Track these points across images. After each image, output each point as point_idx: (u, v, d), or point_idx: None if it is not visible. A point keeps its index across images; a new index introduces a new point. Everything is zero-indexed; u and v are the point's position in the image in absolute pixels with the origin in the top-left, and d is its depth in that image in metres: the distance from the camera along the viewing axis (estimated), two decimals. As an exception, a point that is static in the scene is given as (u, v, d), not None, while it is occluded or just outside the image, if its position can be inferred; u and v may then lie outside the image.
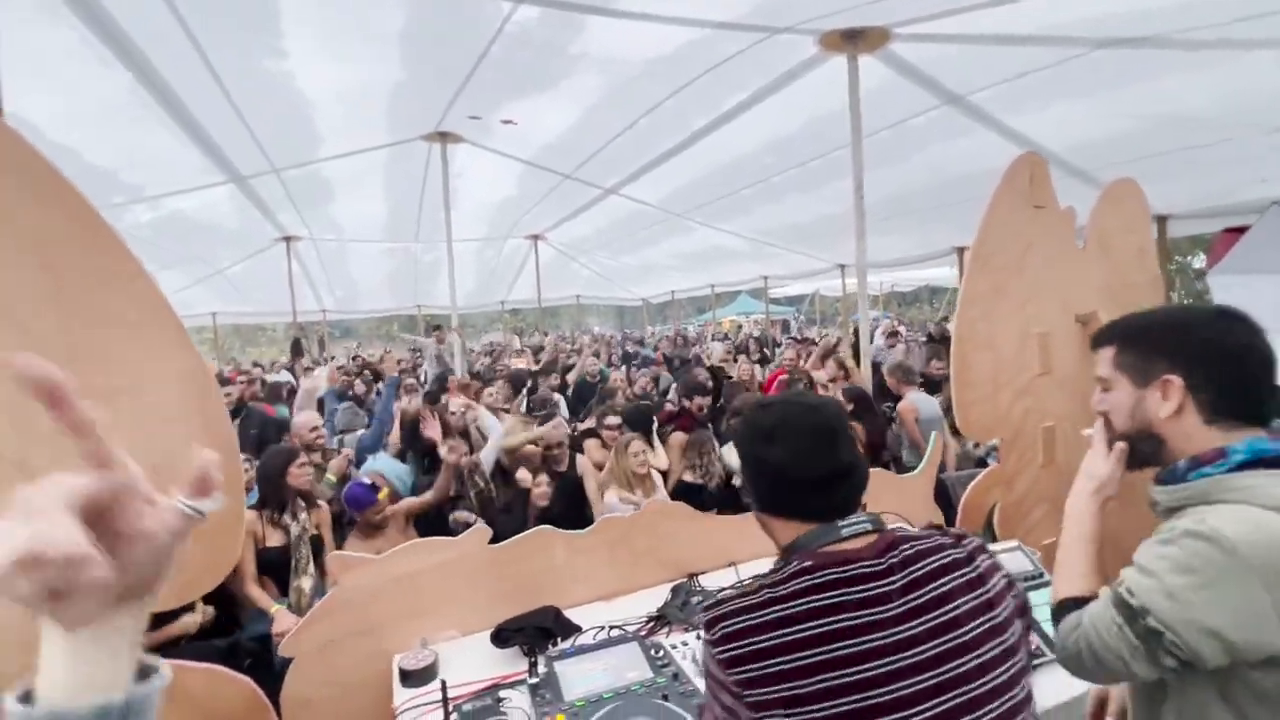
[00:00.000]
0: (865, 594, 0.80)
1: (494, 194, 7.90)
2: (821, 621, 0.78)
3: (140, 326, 1.38)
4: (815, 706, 0.74)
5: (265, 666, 2.32)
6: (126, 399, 1.37)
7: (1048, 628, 1.52)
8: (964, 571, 0.85)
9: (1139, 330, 1.02)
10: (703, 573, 1.93)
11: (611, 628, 1.59)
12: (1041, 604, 1.61)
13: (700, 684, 1.29)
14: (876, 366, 5.43)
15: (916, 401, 3.88)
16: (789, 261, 10.80)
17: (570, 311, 21.92)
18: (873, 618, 0.78)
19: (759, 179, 6.56)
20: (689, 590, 1.79)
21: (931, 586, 0.82)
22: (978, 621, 0.81)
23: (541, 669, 1.36)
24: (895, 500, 2.30)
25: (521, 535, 1.81)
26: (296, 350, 9.20)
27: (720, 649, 0.79)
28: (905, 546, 0.85)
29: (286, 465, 2.64)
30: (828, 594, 0.80)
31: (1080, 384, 2.61)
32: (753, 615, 0.80)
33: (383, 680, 1.59)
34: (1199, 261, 12.76)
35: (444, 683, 1.27)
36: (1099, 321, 2.59)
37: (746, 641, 0.78)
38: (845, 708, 0.74)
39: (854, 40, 3.76)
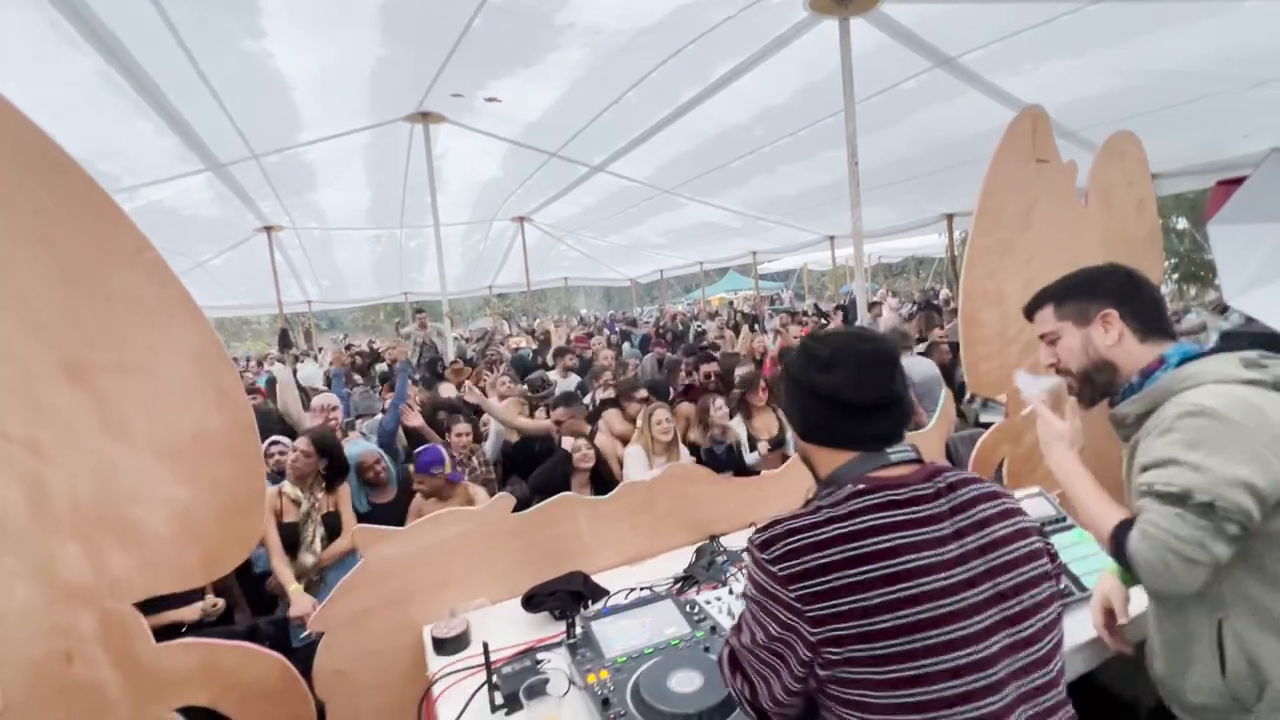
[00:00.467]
0: (919, 514, 0.83)
1: (478, 175, 7.77)
2: (882, 538, 0.80)
3: (148, 301, 1.34)
4: (880, 618, 0.77)
5: (283, 649, 2.31)
6: (141, 377, 1.33)
7: (1075, 568, 1.56)
8: (1000, 501, 0.90)
9: (1067, 287, 1.22)
10: (724, 534, 1.94)
11: (642, 589, 1.60)
12: (1068, 545, 1.64)
13: (739, 635, 1.30)
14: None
15: (909, 365, 3.91)
16: (778, 235, 10.79)
17: (558, 294, 21.79)
18: (927, 536, 0.82)
19: (749, 150, 6.51)
20: (713, 551, 1.80)
21: (974, 511, 0.87)
22: (1015, 545, 0.87)
23: (579, 629, 1.36)
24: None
25: (544, 503, 1.80)
26: (285, 342, 9.07)
27: (782, 565, 0.81)
28: (949, 473, 0.89)
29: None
30: (885, 513, 0.82)
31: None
32: (814, 533, 0.82)
33: (414, 650, 1.58)
34: (1182, 223, 12.90)
35: (486, 645, 1.26)
36: (1101, 274, 2.62)
37: (810, 557, 0.80)
38: (910, 618, 0.77)
39: (845, 1, 3.71)
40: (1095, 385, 1.18)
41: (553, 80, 5.02)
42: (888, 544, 0.80)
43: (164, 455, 1.36)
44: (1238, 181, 3.46)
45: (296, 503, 2.60)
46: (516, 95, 5.33)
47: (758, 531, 0.87)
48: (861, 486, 0.86)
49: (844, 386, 0.90)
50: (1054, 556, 0.93)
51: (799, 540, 0.82)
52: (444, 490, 2.74)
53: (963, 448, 2.91)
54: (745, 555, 0.89)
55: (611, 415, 3.53)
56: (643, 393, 3.46)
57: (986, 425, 3.22)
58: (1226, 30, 3.57)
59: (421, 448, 2.79)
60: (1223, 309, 6.06)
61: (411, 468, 2.80)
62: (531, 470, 3.01)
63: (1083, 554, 1.60)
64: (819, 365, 0.92)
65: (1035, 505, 1.83)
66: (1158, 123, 4.60)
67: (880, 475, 0.87)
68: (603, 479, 2.90)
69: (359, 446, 3.03)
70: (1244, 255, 3.00)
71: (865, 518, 0.82)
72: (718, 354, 5.51)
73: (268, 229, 8.54)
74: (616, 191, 8.18)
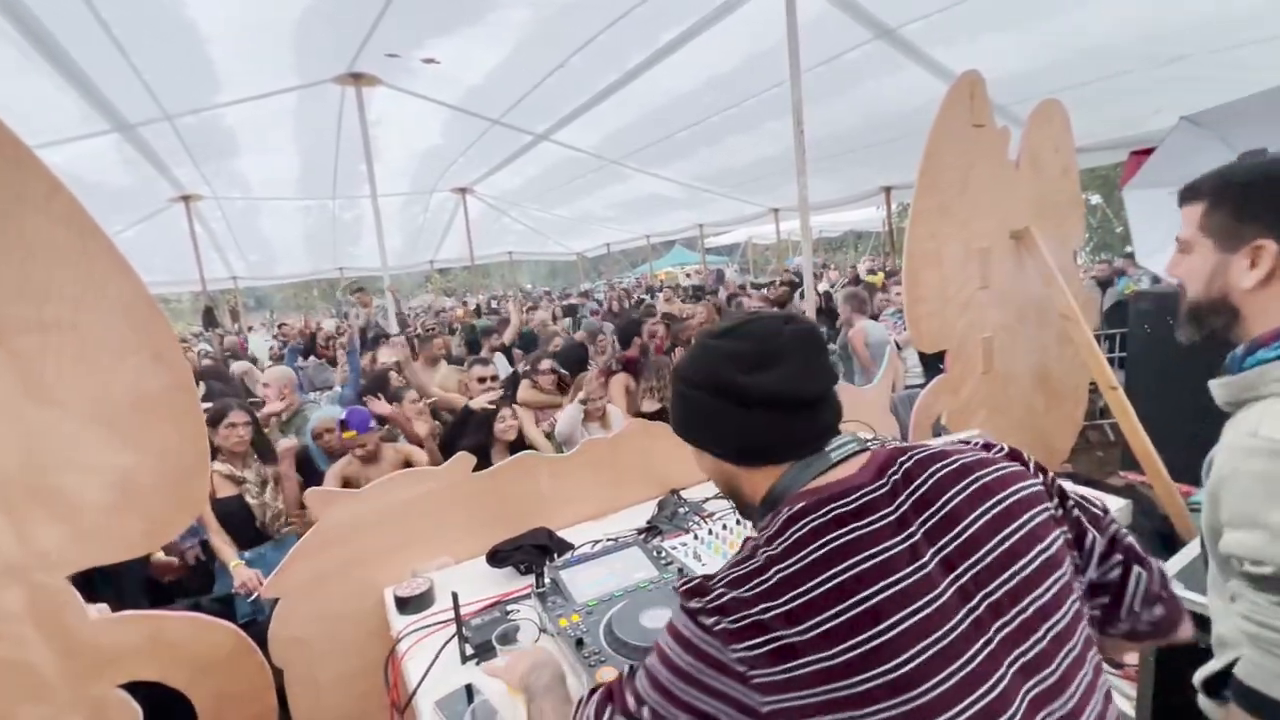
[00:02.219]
0: (876, 526, 0.64)
1: (417, 143, 7.46)
2: (837, 571, 0.62)
3: (68, 251, 1.23)
4: (853, 681, 0.58)
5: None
6: (66, 335, 1.23)
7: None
8: (974, 476, 0.69)
9: (1239, 185, 0.85)
10: (685, 487, 1.97)
11: (607, 540, 1.62)
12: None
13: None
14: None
15: (866, 328, 4.08)
16: (725, 208, 10.88)
17: (502, 269, 21.33)
18: (891, 552, 0.63)
19: (696, 120, 6.50)
20: (675, 503, 1.83)
21: (941, 503, 0.67)
22: (1003, 533, 0.66)
23: (548, 579, 1.37)
24: (856, 411, 2.43)
25: (505, 461, 1.79)
26: (210, 320, 8.53)
27: (718, 619, 0.62)
28: (904, 459, 0.70)
29: (210, 426, 2.46)
30: (834, 535, 0.64)
31: (1014, 296, 2.80)
32: (756, 583, 0.63)
33: (375, 612, 1.56)
34: (1096, 198, 13.78)
35: (455, 594, 1.25)
36: (1030, 236, 2.77)
37: (752, 611, 0.61)
38: (895, 673, 0.58)
39: (792, -35, 3.72)
40: (1203, 326, 0.90)
41: (495, 41, 4.84)
42: (846, 576, 0.61)
43: (96, 419, 1.27)
44: (1149, 151, 3.74)
45: (231, 478, 2.47)
46: (457, 56, 5.12)
47: (683, 585, 0.68)
48: (800, 506, 0.67)
49: (789, 381, 0.70)
50: (1069, 520, 0.73)
51: (742, 592, 0.62)
52: (382, 449, 2.67)
53: (902, 408, 3.06)
54: (672, 617, 0.68)
55: (521, 386, 3.55)
56: (548, 364, 3.49)
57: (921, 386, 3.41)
58: (1142, 7, 3.80)
59: (349, 411, 2.68)
60: (1106, 282, 6.52)
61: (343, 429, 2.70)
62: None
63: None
64: (750, 364, 0.71)
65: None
66: (1078, 98, 4.85)
67: (822, 484, 0.69)
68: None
69: (325, 411, 2.92)
70: (1154, 218, 3.27)
71: (811, 548, 0.63)
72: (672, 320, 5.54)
73: (185, 198, 7.96)
74: (562, 162, 8.03)
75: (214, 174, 7.34)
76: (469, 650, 1.26)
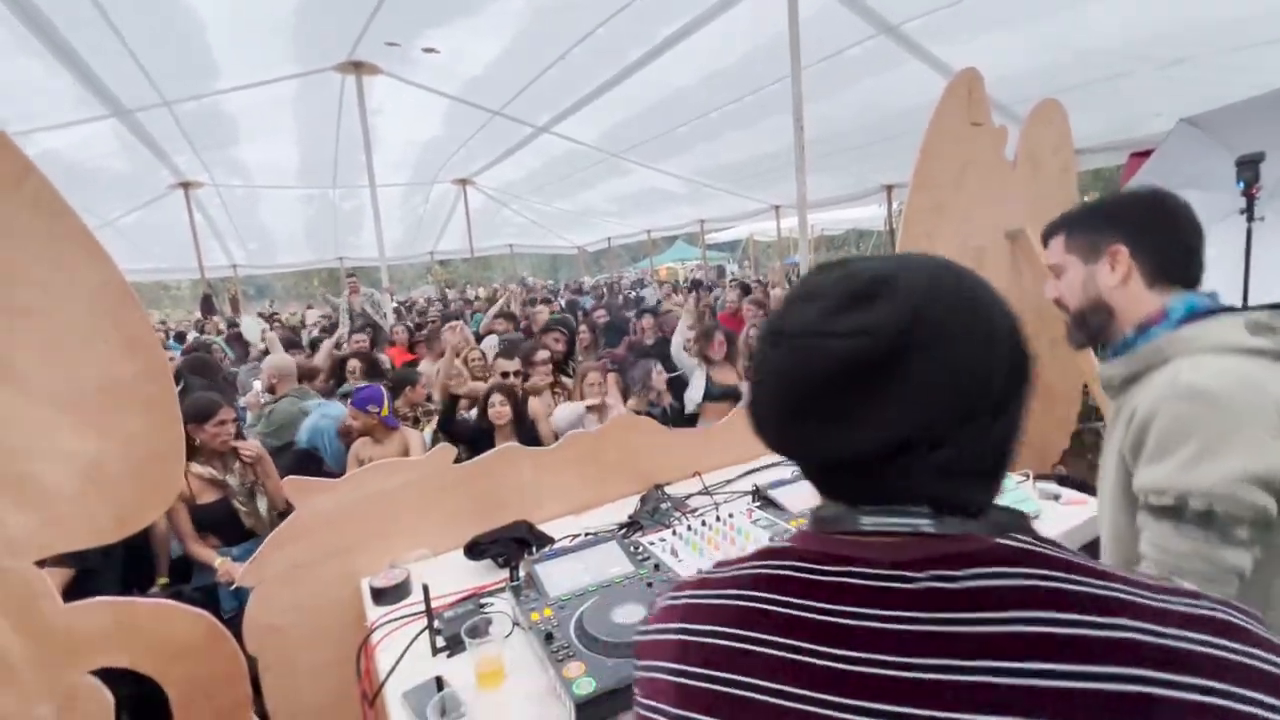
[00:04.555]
0: (837, 619, 0.44)
1: (417, 134, 7.44)
2: (747, 634, 0.47)
3: (38, 234, 1.22)
4: None
5: (212, 613, 2.24)
6: (34, 320, 1.21)
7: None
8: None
9: (1086, 212, 1.08)
10: (669, 483, 1.96)
11: (587, 534, 1.61)
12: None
13: (681, 572, 1.33)
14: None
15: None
16: (726, 204, 10.83)
17: (503, 261, 21.29)
18: (835, 663, 0.43)
19: (696, 115, 6.46)
20: (657, 499, 1.82)
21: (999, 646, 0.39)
22: None
23: (522, 573, 1.36)
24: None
25: (488, 453, 1.77)
26: (208, 307, 8.52)
27: (642, 627, 0.56)
28: (987, 569, 0.42)
29: (199, 421, 2.35)
30: (769, 594, 0.48)
31: (1009, 297, 2.78)
32: (684, 594, 0.54)
33: (352, 602, 1.55)
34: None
35: (425, 587, 1.24)
36: (1026, 238, 2.74)
37: (657, 626, 0.53)
38: None
39: (793, -40, 3.69)
40: (1088, 328, 1.06)
41: (495, 31, 4.81)
42: (750, 645, 0.46)
43: (65, 406, 1.26)
44: (1148, 153, 3.72)
45: (214, 483, 2.39)
46: (457, 47, 5.09)
47: None
48: (777, 545, 0.52)
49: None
50: None
51: (672, 600, 0.54)
52: (377, 431, 2.68)
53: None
54: None
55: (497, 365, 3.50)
56: (543, 354, 3.42)
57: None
58: (1143, 9, 3.76)
59: (362, 385, 2.73)
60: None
61: (349, 402, 2.77)
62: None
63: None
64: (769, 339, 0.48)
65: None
66: (1080, 99, 4.82)
67: (829, 540, 0.48)
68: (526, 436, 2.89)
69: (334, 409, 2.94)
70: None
71: (740, 592, 0.49)
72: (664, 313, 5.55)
73: (184, 185, 7.94)
74: (563, 155, 8.00)
75: (213, 161, 7.33)
76: (440, 643, 1.25)
